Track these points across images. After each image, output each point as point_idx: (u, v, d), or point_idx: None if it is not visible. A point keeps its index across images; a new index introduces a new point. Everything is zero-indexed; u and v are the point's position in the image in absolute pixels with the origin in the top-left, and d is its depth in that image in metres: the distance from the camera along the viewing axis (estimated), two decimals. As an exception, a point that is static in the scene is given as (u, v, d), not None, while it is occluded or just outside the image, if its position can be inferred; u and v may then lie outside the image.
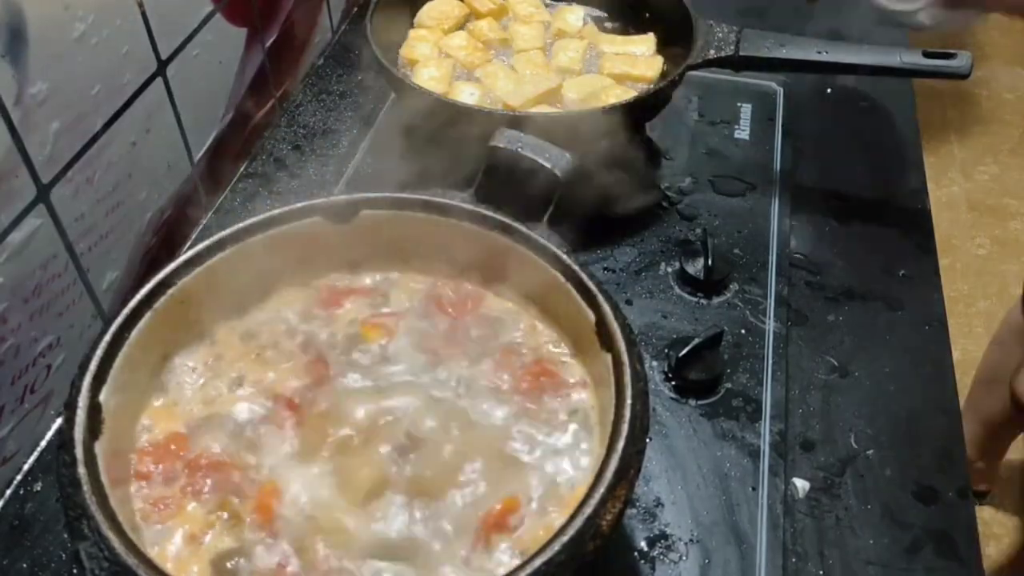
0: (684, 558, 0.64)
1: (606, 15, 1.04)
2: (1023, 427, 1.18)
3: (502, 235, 0.61)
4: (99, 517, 0.44)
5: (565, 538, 0.44)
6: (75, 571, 0.63)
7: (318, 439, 0.55)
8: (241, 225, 0.60)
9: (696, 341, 0.73)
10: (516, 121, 0.79)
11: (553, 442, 0.56)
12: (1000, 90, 2.45)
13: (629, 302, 0.82)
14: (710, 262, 0.82)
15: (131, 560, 0.43)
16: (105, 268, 0.74)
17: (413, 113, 0.89)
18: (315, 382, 0.59)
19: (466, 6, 1.00)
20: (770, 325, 0.80)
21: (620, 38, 0.98)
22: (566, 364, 0.60)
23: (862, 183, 0.97)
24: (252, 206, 0.92)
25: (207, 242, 0.59)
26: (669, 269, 0.85)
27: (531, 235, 0.59)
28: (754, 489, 0.68)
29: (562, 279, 0.58)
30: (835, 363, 0.78)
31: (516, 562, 0.47)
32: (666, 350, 0.76)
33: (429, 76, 0.90)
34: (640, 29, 0.99)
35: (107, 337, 0.52)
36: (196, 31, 0.82)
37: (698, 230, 0.89)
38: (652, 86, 0.89)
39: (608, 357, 0.53)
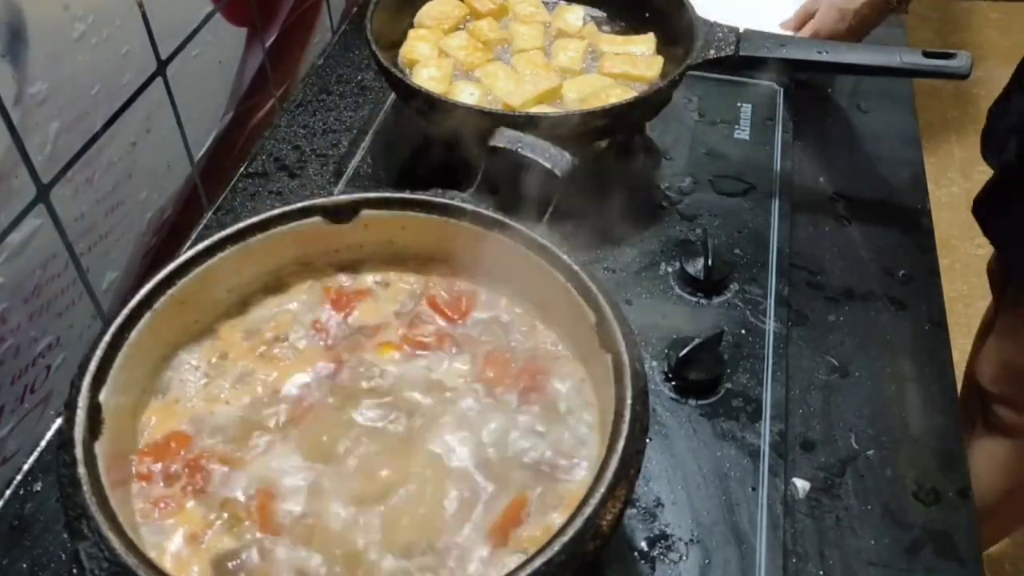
0: (684, 558, 0.64)
1: (606, 15, 1.04)
2: (985, 420, 1.18)
3: (502, 235, 0.60)
4: (99, 517, 0.44)
5: (565, 538, 0.44)
6: (75, 571, 0.62)
7: (322, 439, 0.55)
8: (241, 225, 0.60)
9: (696, 341, 0.73)
10: (516, 121, 0.79)
11: (553, 441, 0.56)
12: (1000, 90, 2.44)
13: (629, 302, 0.82)
14: (710, 262, 0.82)
15: (131, 560, 0.43)
16: (105, 268, 0.74)
17: (413, 113, 0.89)
18: (319, 381, 0.59)
19: (466, 6, 1.00)
20: (770, 325, 0.80)
21: (620, 38, 0.98)
22: (565, 364, 0.60)
23: (862, 183, 0.97)
24: (252, 206, 0.92)
25: (207, 242, 0.59)
26: (669, 269, 0.85)
27: (531, 235, 0.59)
28: (754, 489, 0.68)
29: (562, 279, 0.58)
30: (835, 363, 0.78)
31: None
32: (666, 350, 0.76)
33: (429, 76, 0.90)
34: (640, 29, 0.99)
35: (107, 337, 0.52)
36: (196, 31, 0.82)
37: (698, 230, 0.89)
38: (652, 86, 0.89)
39: (608, 357, 0.53)
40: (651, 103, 0.86)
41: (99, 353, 0.51)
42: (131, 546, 0.44)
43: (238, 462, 0.55)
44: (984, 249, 1.98)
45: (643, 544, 0.64)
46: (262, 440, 0.56)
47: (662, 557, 0.64)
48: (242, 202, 0.93)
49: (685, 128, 1.03)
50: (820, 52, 0.88)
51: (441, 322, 0.63)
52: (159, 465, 0.54)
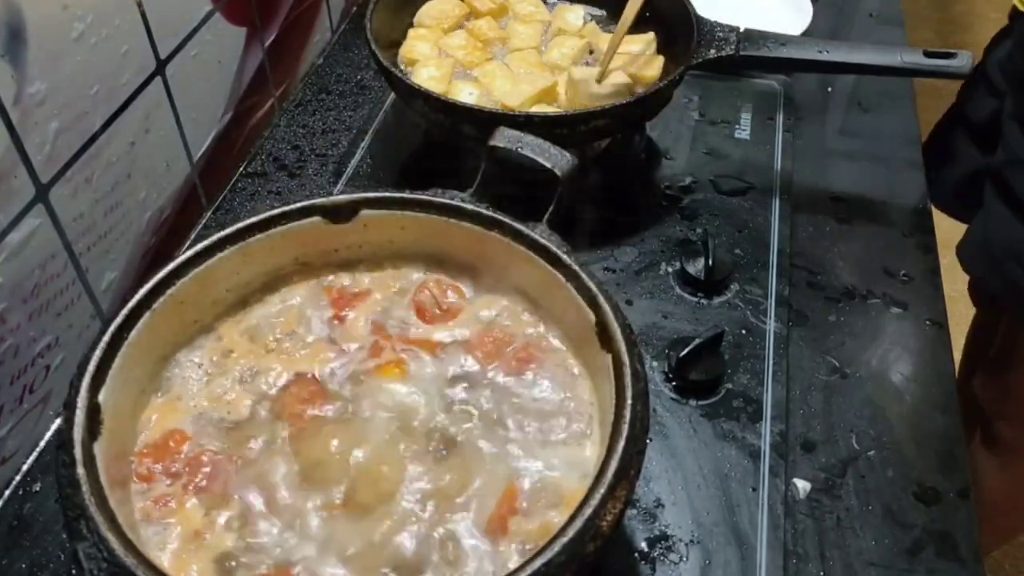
0: (684, 559, 0.64)
1: (606, 14, 1.04)
2: (983, 435, 1.18)
3: (502, 235, 0.60)
4: (98, 518, 0.44)
5: (565, 538, 0.44)
6: (74, 571, 0.62)
7: (324, 440, 0.55)
8: (241, 225, 0.60)
9: (697, 341, 0.73)
10: (516, 121, 0.79)
11: (552, 440, 0.56)
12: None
13: (629, 302, 0.82)
14: (710, 262, 0.82)
15: (130, 560, 0.43)
16: (104, 268, 0.74)
17: (412, 113, 0.89)
18: (318, 383, 0.59)
19: (466, 5, 1.00)
20: (771, 325, 0.80)
21: (620, 38, 0.98)
22: (563, 363, 0.60)
23: (862, 183, 0.97)
24: (251, 206, 0.92)
25: (206, 242, 0.59)
26: (669, 269, 0.85)
27: (531, 235, 0.59)
28: (755, 490, 0.68)
29: (562, 279, 0.58)
30: (836, 363, 0.78)
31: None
32: (666, 350, 0.76)
33: (428, 76, 0.90)
34: (641, 28, 0.99)
35: (106, 337, 0.52)
36: (195, 30, 0.82)
37: (698, 230, 0.89)
38: (652, 86, 0.89)
39: (608, 357, 0.53)
40: (651, 103, 0.86)
41: (98, 353, 0.51)
42: (130, 546, 0.44)
43: (241, 460, 0.55)
44: (984, 249, 1.98)
45: (643, 545, 0.64)
46: (266, 439, 0.56)
47: (662, 558, 0.64)
48: (241, 202, 0.93)
49: (685, 128, 1.03)
50: (820, 52, 0.88)
51: (440, 322, 0.63)
52: (159, 464, 0.54)
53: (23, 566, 0.63)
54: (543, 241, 0.59)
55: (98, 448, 0.48)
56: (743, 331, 0.79)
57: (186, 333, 0.60)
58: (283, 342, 0.61)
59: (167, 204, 0.83)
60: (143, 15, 0.73)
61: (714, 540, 0.65)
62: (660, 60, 0.93)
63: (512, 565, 0.49)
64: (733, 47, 0.89)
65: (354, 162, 0.97)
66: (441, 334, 0.62)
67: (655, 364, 0.76)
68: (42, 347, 0.67)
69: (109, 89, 0.70)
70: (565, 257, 0.58)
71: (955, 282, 0.95)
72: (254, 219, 0.60)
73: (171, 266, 0.57)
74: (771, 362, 0.77)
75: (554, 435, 0.56)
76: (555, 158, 0.62)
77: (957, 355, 0.81)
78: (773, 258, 0.86)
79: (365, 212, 0.62)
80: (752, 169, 0.97)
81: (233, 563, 0.50)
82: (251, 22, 0.92)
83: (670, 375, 0.75)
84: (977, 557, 0.65)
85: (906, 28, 1.24)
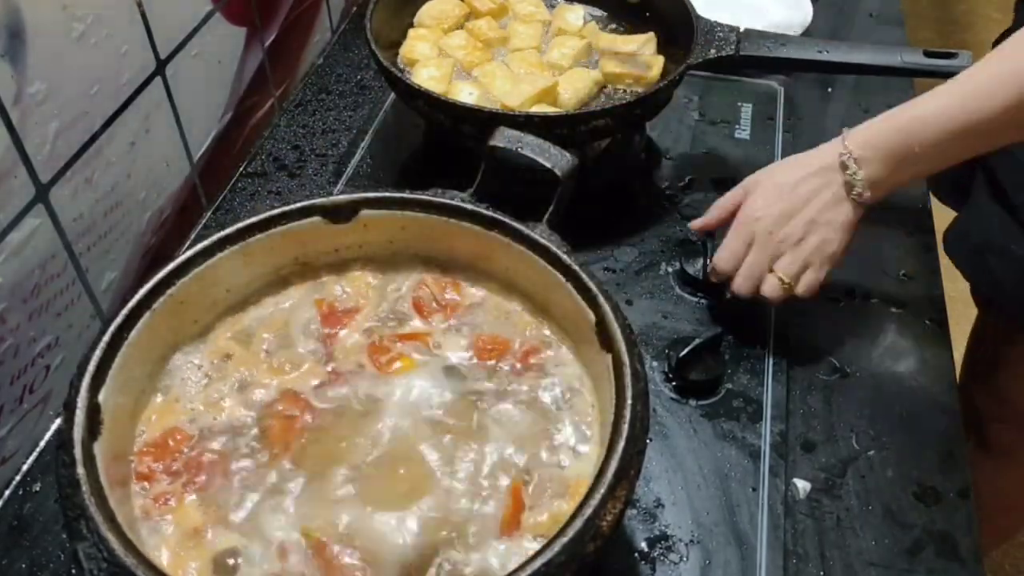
0: (684, 559, 0.64)
1: (606, 14, 1.04)
2: (980, 438, 1.18)
3: (502, 235, 0.60)
4: (98, 518, 0.44)
5: (565, 538, 0.44)
6: (74, 571, 0.62)
7: (324, 440, 0.55)
8: (240, 225, 0.60)
9: (697, 341, 0.73)
10: (516, 121, 0.79)
11: (552, 440, 0.56)
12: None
13: (629, 302, 0.82)
14: (710, 262, 0.82)
15: (129, 560, 0.43)
16: (104, 268, 0.74)
17: (412, 113, 0.89)
18: (322, 384, 0.59)
19: (466, 5, 1.00)
20: (771, 325, 0.80)
21: (620, 37, 0.98)
22: (563, 363, 0.60)
23: (862, 183, 0.97)
24: (251, 206, 0.92)
25: (206, 242, 0.59)
26: (669, 269, 0.85)
27: (531, 235, 0.59)
28: (755, 490, 0.68)
29: (562, 279, 0.58)
30: (836, 363, 0.78)
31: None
32: (666, 350, 0.76)
33: (428, 76, 0.90)
34: (641, 28, 0.99)
35: (106, 337, 0.52)
36: (195, 30, 0.82)
37: (698, 230, 0.89)
38: (652, 86, 0.89)
39: (608, 357, 0.53)
40: (651, 103, 0.86)
41: (98, 353, 0.51)
42: (130, 546, 0.44)
43: (240, 460, 0.55)
44: (984, 249, 1.98)
45: (643, 545, 0.64)
46: (258, 443, 0.56)
47: (662, 558, 0.64)
48: (241, 202, 0.93)
49: (685, 128, 1.03)
50: (820, 52, 0.88)
51: (440, 322, 0.63)
52: (160, 463, 0.54)
53: (23, 566, 0.63)
54: (543, 241, 0.59)
55: (98, 448, 0.48)
56: (743, 331, 0.79)
57: (186, 333, 0.60)
58: (282, 345, 0.61)
59: (167, 204, 0.83)
60: (143, 15, 0.73)
61: (714, 540, 0.65)
62: (660, 60, 0.94)
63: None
64: (733, 47, 0.89)
65: (354, 162, 0.97)
66: (440, 334, 0.62)
67: (655, 364, 0.76)
68: (42, 347, 0.67)
69: (109, 89, 0.70)
70: (565, 257, 0.58)
71: (955, 282, 0.95)
72: (254, 219, 0.60)
73: (171, 266, 0.57)
74: (771, 362, 0.77)
75: (554, 435, 0.56)
76: (555, 158, 0.62)
77: (957, 355, 0.81)
78: (773, 258, 0.86)
79: (365, 212, 0.62)
80: (752, 169, 0.96)
81: (232, 562, 0.50)
82: (251, 22, 0.92)
83: (670, 375, 0.75)
84: (977, 557, 0.65)
85: (906, 28, 1.24)
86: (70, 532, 0.45)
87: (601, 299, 0.55)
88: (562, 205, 0.62)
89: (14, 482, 0.68)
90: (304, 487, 0.53)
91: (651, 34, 0.97)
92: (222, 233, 0.59)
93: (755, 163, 0.97)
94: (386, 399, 0.58)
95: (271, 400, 0.58)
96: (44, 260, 0.66)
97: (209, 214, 0.91)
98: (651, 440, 0.70)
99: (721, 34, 0.90)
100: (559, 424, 0.57)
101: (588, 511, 0.45)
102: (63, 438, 0.47)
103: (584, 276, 0.57)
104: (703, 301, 0.82)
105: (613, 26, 1.03)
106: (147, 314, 0.55)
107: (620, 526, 0.49)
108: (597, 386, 0.57)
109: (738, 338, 0.78)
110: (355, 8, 1.22)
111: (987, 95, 0.67)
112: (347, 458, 0.54)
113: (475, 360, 0.61)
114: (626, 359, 0.52)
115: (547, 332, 0.62)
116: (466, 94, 0.88)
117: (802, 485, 0.69)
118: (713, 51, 0.89)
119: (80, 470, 0.46)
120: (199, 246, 0.58)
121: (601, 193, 0.92)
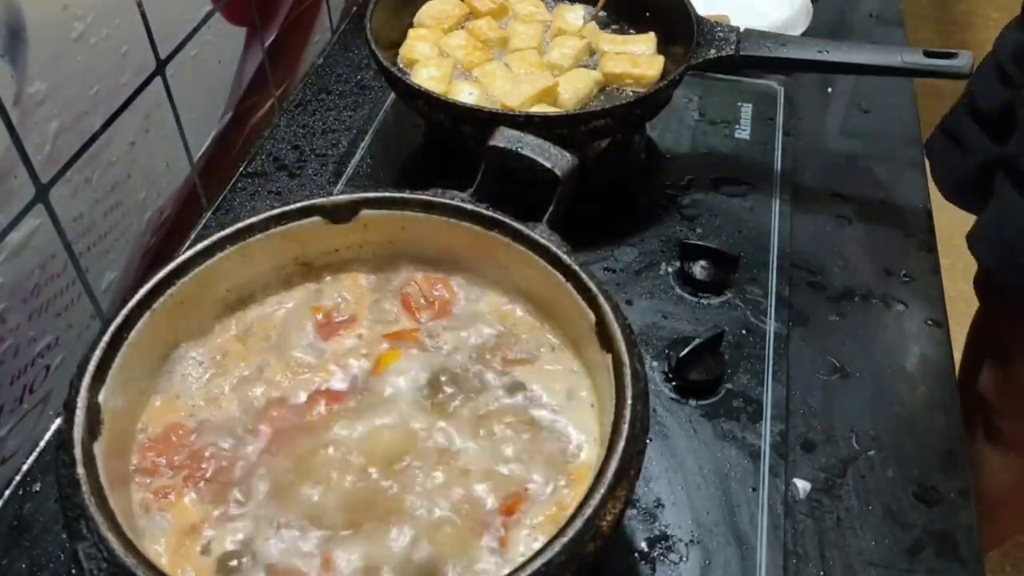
0: (684, 559, 0.64)
1: (605, 14, 1.04)
2: (987, 431, 1.17)
3: (502, 235, 0.60)
4: (98, 518, 0.44)
5: (565, 538, 0.44)
6: (74, 571, 0.62)
7: (320, 441, 0.55)
8: (241, 225, 0.60)
9: (697, 341, 0.73)
10: (516, 121, 0.79)
11: (551, 439, 0.56)
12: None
13: (629, 302, 0.82)
14: (710, 262, 0.82)
15: (130, 560, 0.43)
16: (104, 268, 0.74)
17: (412, 113, 0.89)
18: (321, 383, 0.59)
19: (466, 5, 1.00)
20: (771, 325, 0.80)
21: (620, 37, 0.98)
22: (563, 363, 0.60)
23: (862, 183, 0.97)
24: (251, 206, 0.92)
25: (206, 242, 0.59)
26: (669, 269, 0.85)
27: (531, 235, 0.59)
28: (755, 490, 0.68)
29: (562, 279, 0.58)
30: (836, 363, 0.78)
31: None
32: (666, 350, 0.76)
33: (428, 76, 0.90)
34: (640, 28, 0.99)
35: (106, 337, 0.52)
36: (195, 30, 0.82)
37: (698, 230, 0.89)
38: (652, 86, 0.89)
39: (608, 357, 0.53)
40: (651, 103, 0.86)
41: (98, 353, 0.51)
42: (130, 546, 0.44)
43: (240, 457, 0.55)
44: (984, 249, 1.98)
45: (643, 545, 0.64)
46: (258, 440, 0.56)
47: (662, 558, 0.64)
48: (241, 202, 0.93)
49: (685, 128, 1.03)
50: (820, 52, 0.88)
51: (437, 321, 0.63)
52: (162, 458, 0.54)
53: (23, 566, 0.63)
54: (543, 241, 0.59)
55: (98, 448, 0.48)
56: (743, 331, 0.79)
57: (186, 333, 0.60)
58: (282, 345, 0.61)
59: (167, 204, 0.83)
60: (143, 15, 0.73)
61: (714, 540, 0.65)
62: (660, 60, 0.94)
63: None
64: (733, 47, 0.89)
65: (354, 162, 0.97)
66: (439, 334, 0.62)
67: (655, 364, 0.76)
68: (42, 347, 0.67)
69: (109, 89, 0.71)
70: (565, 257, 0.58)
71: (955, 282, 0.95)
72: (254, 219, 0.60)
73: (171, 266, 0.57)
74: (771, 362, 0.77)
75: (553, 435, 0.56)
76: (555, 158, 0.62)
77: (957, 355, 0.81)
78: (773, 258, 0.86)
79: (365, 212, 0.62)
80: (752, 169, 0.97)
81: (235, 563, 0.50)
82: (251, 22, 0.92)
83: (670, 375, 0.75)
84: (977, 557, 0.65)
85: (906, 28, 1.24)
86: (70, 532, 0.45)
87: (601, 299, 0.55)
88: (562, 205, 0.62)
89: (14, 482, 0.68)
90: (304, 486, 0.53)
91: (651, 34, 0.97)
92: (222, 233, 0.59)
93: (755, 163, 0.98)
94: (384, 398, 0.58)
95: (270, 399, 0.58)
96: (44, 260, 0.66)
97: (209, 214, 0.91)
98: (651, 440, 0.70)
99: (721, 34, 0.90)
100: (558, 424, 0.57)
101: (588, 511, 0.45)
102: (63, 438, 0.47)
103: (584, 276, 0.57)
104: (703, 301, 0.82)
105: (614, 27, 1.03)
106: (147, 314, 0.55)
107: (620, 526, 0.49)
108: (597, 386, 0.57)
109: (738, 338, 0.78)
110: (355, 8, 1.22)
111: None
112: (345, 458, 0.54)
113: (474, 359, 0.61)
114: (626, 359, 0.52)
115: (547, 332, 0.62)
116: (466, 94, 0.88)
117: (802, 485, 0.69)
118: (713, 51, 0.89)
119: (80, 470, 0.46)
120: (199, 246, 0.58)
121: (601, 193, 0.92)
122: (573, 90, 0.89)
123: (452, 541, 0.51)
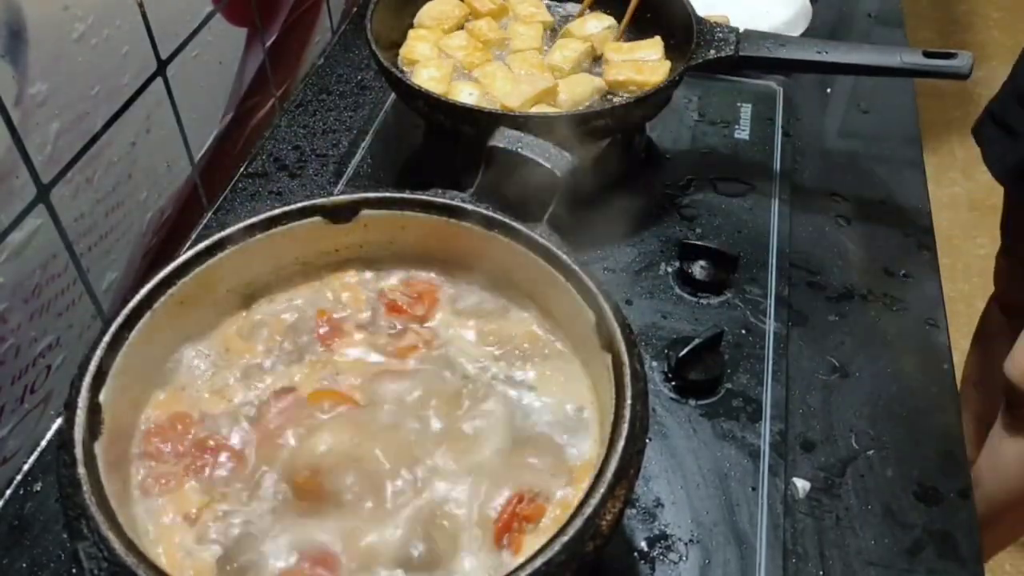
0: (684, 558, 0.64)
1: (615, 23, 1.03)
2: (1013, 419, 1.16)
3: (502, 235, 0.60)
4: (98, 517, 0.44)
5: (565, 538, 0.44)
6: (74, 571, 0.63)
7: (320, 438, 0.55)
8: (241, 225, 0.60)
9: (696, 341, 0.73)
10: (516, 121, 0.79)
11: (551, 439, 0.56)
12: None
13: (629, 302, 0.82)
14: (710, 262, 0.82)
15: (130, 560, 0.43)
16: (105, 268, 0.74)
17: (412, 113, 0.89)
18: (322, 383, 0.59)
19: (466, 6, 1.00)
20: (770, 325, 0.80)
21: (627, 44, 0.97)
22: (563, 363, 0.60)
23: (862, 183, 0.97)
24: (252, 206, 0.92)
25: (207, 242, 0.59)
26: (669, 269, 0.85)
27: (531, 235, 0.59)
28: (754, 489, 0.68)
29: (562, 279, 0.58)
30: (835, 363, 0.78)
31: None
32: (666, 350, 0.76)
33: (429, 76, 0.90)
34: (641, 30, 0.99)
35: (107, 337, 0.52)
36: (196, 31, 0.82)
37: (698, 230, 0.89)
38: (652, 87, 0.89)
39: (608, 357, 0.53)
40: (651, 103, 0.86)
41: (99, 353, 0.51)
42: (130, 546, 0.44)
43: (243, 449, 0.55)
44: (985, 249, 1.98)
45: (643, 544, 0.64)
46: (259, 438, 0.56)
47: (662, 557, 0.64)
48: (242, 202, 0.93)
49: (685, 128, 1.03)
50: (820, 52, 0.88)
51: (439, 321, 0.63)
52: (166, 444, 0.54)
53: (23, 565, 0.63)
54: (543, 241, 0.59)
55: (99, 448, 0.48)
56: (743, 331, 0.79)
57: (186, 333, 0.60)
58: (282, 346, 0.61)
59: (168, 204, 0.83)
60: (144, 16, 0.73)
61: (714, 540, 0.65)
62: (667, 65, 0.92)
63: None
64: (732, 48, 0.89)
65: (354, 162, 0.97)
66: (438, 333, 0.62)
67: (655, 364, 0.76)
68: (43, 347, 0.67)
69: (110, 89, 0.71)
70: (565, 257, 0.58)
71: (955, 282, 0.95)
72: (255, 219, 0.60)
73: (172, 266, 0.57)
74: (771, 362, 0.77)
75: (553, 435, 0.56)
76: (555, 158, 0.63)
77: (957, 355, 0.81)
78: (773, 258, 0.86)
79: (365, 212, 0.63)
80: (752, 169, 0.97)
81: (235, 564, 0.50)
82: (252, 23, 0.93)
83: (670, 375, 0.75)
84: (977, 557, 0.65)
85: (906, 28, 1.24)
86: (71, 532, 0.45)
87: (601, 299, 0.55)
88: (562, 205, 0.62)
89: (15, 482, 0.68)
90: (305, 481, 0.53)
91: (657, 38, 0.96)
92: (223, 233, 0.59)
93: (755, 163, 0.98)
94: (384, 398, 0.58)
95: (270, 397, 0.58)
96: (45, 260, 0.66)
97: (210, 214, 0.91)
98: (651, 440, 0.70)
99: (721, 34, 0.90)
100: (558, 424, 0.57)
101: (588, 510, 0.45)
102: (64, 438, 0.48)
103: (584, 276, 0.57)
104: (703, 301, 0.82)
105: (615, 30, 1.02)
106: (148, 314, 0.55)
107: (620, 525, 0.49)
108: (597, 386, 0.57)
109: (738, 338, 0.78)
110: (355, 8, 1.22)
111: None
112: (347, 456, 0.54)
113: (474, 359, 0.61)
114: (626, 359, 0.52)
115: (547, 332, 0.62)
116: (466, 95, 0.88)
117: (802, 485, 0.69)
118: (712, 52, 0.89)
119: (81, 470, 0.46)
120: (200, 246, 0.58)
121: (601, 193, 0.92)
122: (571, 94, 0.89)
123: (452, 540, 0.51)
